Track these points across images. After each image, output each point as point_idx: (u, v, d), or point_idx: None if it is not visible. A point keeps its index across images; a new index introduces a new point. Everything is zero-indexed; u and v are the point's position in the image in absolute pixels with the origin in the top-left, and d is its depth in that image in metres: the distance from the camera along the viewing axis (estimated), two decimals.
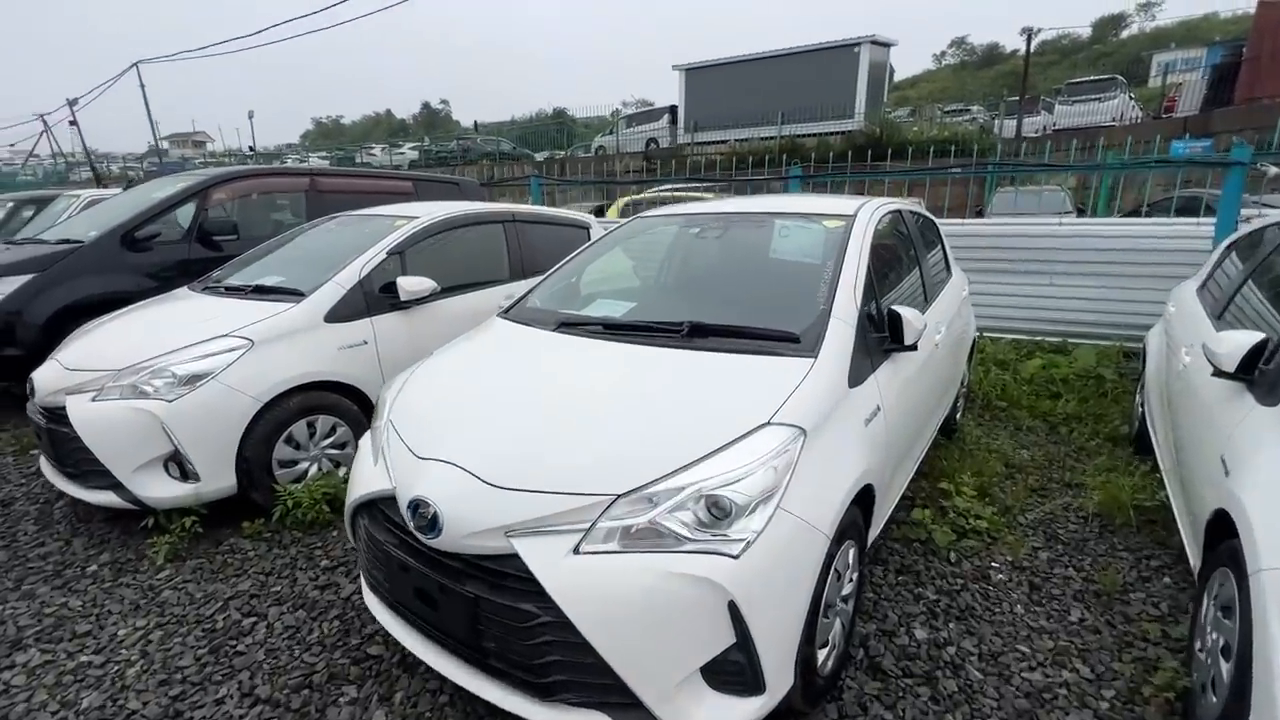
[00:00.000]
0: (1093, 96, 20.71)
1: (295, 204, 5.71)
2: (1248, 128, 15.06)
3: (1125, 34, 63.50)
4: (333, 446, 3.12)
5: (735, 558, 1.40)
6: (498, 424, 1.78)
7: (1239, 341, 1.94)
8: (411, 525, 1.63)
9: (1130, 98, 20.94)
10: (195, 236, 4.84)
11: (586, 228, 4.88)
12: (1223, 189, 4.67)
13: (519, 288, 4.09)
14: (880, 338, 2.14)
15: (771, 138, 19.16)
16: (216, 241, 4.88)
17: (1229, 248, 3.34)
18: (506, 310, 2.71)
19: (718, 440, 1.55)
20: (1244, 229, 3.24)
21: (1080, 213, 10.55)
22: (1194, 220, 4.86)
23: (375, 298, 3.29)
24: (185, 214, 4.95)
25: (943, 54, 76.42)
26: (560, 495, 1.50)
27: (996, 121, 21.33)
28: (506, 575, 1.51)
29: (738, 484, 1.47)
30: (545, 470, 1.57)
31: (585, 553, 1.44)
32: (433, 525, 1.58)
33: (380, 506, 1.84)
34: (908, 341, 2.11)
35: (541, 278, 2.92)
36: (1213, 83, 18.99)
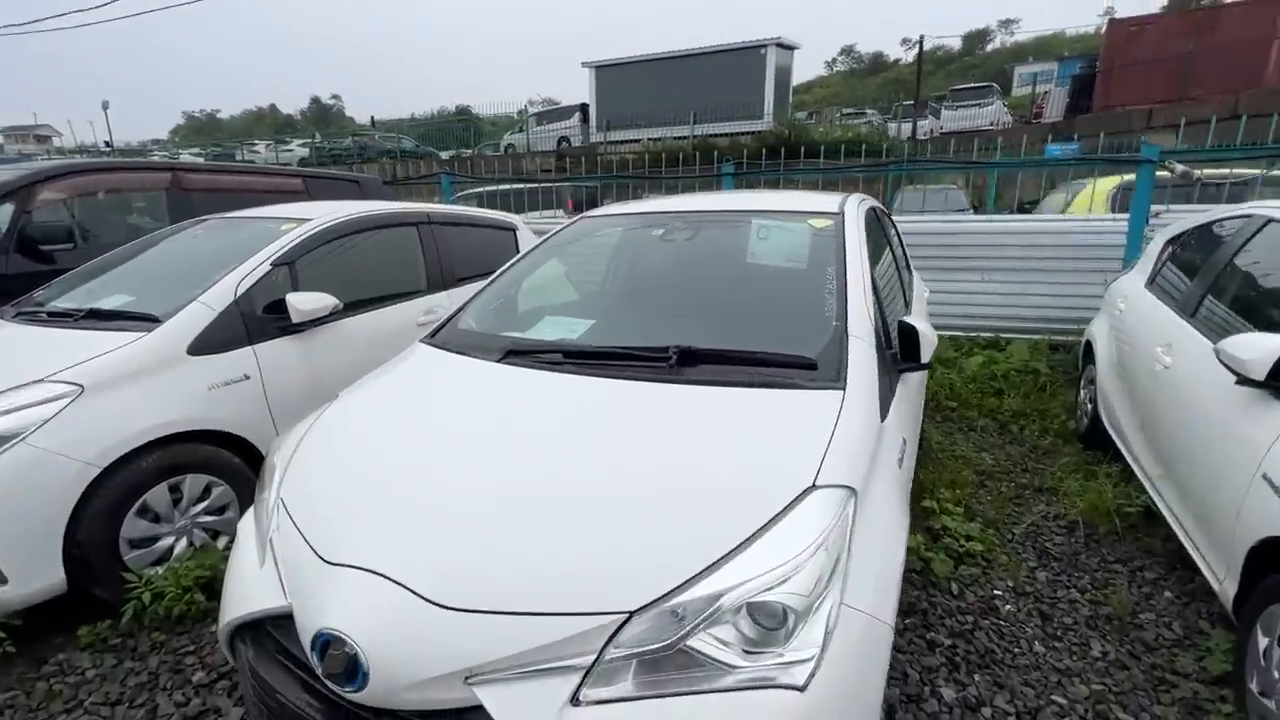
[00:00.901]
0: (973, 102, 22.42)
1: (153, 205, 4.76)
2: (1104, 132, 16.77)
3: (990, 48, 69.86)
4: (209, 513, 2.45)
5: (802, 689, 1.01)
6: (441, 507, 1.28)
7: (1267, 346, 1.79)
8: (320, 670, 1.12)
9: (1003, 104, 22.88)
10: (14, 246, 3.85)
11: (513, 229, 4.36)
12: (1136, 185, 4.85)
13: (440, 301, 3.56)
14: (892, 356, 1.83)
15: (684, 137, 19.11)
16: (45, 252, 3.92)
17: (1172, 243, 3.36)
18: (433, 334, 2.18)
19: (754, 518, 1.16)
20: (1186, 224, 3.27)
21: (975, 210, 11.12)
22: (1111, 216, 5.05)
23: (258, 320, 2.64)
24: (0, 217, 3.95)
25: (834, 61, 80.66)
26: (546, 617, 1.05)
27: (893, 124, 22.51)
28: None
29: (791, 581, 1.08)
30: (520, 579, 1.11)
31: (589, 702, 1.00)
32: (353, 672, 1.07)
33: (271, 630, 1.30)
34: (925, 359, 1.81)
35: (474, 291, 2.41)
36: (1073, 92, 20.97)
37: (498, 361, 1.83)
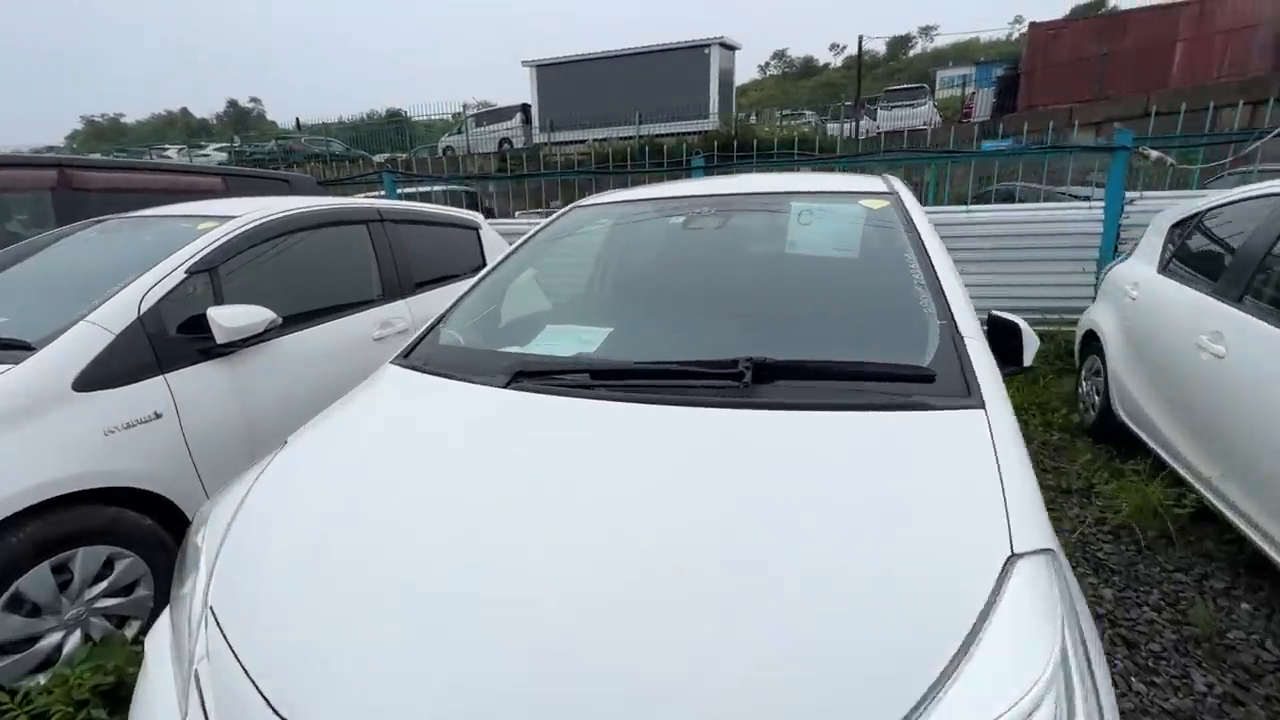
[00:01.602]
0: (907, 103, 23.21)
1: (37, 209, 4.01)
2: (1029, 129, 17.58)
3: (913, 53, 73.25)
4: (111, 594, 1.89)
5: None
6: (468, 629, 0.84)
7: None
8: None
9: (934, 105, 23.81)
10: None
11: (475, 228, 3.88)
12: (1109, 173, 4.83)
13: (398, 311, 3.06)
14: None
15: (631, 137, 18.82)
16: None
17: (1179, 227, 3.24)
18: (406, 353, 1.72)
19: (953, 613, 0.79)
20: (1194, 207, 3.15)
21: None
22: (1084, 204, 5.01)
23: (171, 343, 2.09)
24: None
25: (767, 65, 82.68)
26: None
27: (832, 124, 22.96)
28: None
29: (1041, 709, 0.71)
30: None
31: None
32: None
33: None
34: (1027, 361, 1.50)
35: (448, 297, 1.95)
36: (999, 92, 21.96)
37: (504, 387, 1.40)
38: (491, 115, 23.22)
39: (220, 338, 2.13)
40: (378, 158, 22.95)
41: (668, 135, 18.45)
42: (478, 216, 3.98)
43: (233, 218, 2.48)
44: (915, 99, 23.31)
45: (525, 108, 21.73)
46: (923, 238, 1.61)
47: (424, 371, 1.57)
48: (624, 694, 0.74)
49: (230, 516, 1.20)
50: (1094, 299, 3.94)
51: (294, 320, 2.51)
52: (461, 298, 1.90)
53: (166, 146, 27.24)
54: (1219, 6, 17.89)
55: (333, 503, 1.15)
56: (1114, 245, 4.83)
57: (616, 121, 19.31)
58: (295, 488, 1.23)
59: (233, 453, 2.16)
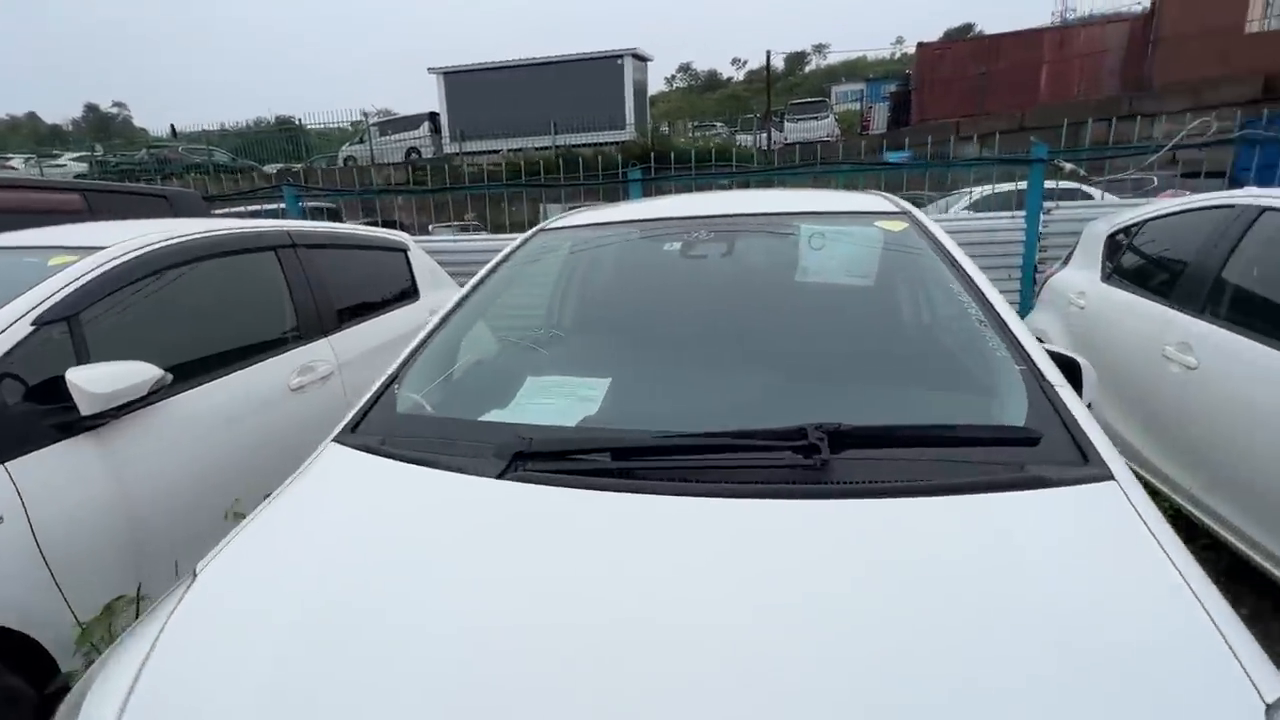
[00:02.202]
0: (811, 116, 24.27)
1: None
2: (922, 142, 18.96)
3: (808, 69, 77.46)
4: None
5: None
6: None
7: None
8: None
9: (835, 118, 25.09)
10: None
11: (403, 250, 3.44)
12: (1029, 183, 5.06)
13: (320, 353, 2.59)
14: None
15: (547, 147, 18.43)
16: None
17: (1118, 236, 3.35)
18: (354, 425, 1.34)
19: None
20: (1133, 216, 3.26)
21: None
22: (1008, 214, 5.23)
23: (14, 419, 1.58)
24: None
25: (673, 77, 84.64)
26: None
27: (742, 136, 23.63)
28: None
29: None
30: None
31: None
32: None
33: None
34: (1088, 399, 1.35)
35: (407, 344, 1.58)
36: (893, 107, 23.43)
37: (498, 477, 1.07)
38: (397, 124, 22.05)
39: (86, 407, 1.63)
40: (268, 168, 21.21)
41: (584, 146, 18.24)
42: (405, 237, 3.54)
43: (99, 248, 1.96)
44: (818, 112, 24.41)
45: (433, 116, 20.80)
46: (962, 264, 1.44)
47: (383, 454, 1.20)
48: None
49: (122, 700, 0.80)
50: (1018, 305, 4.07)
51: (187, 374, 2.02)
52: (418, 347, 1.53)
53: (10, 156, 23.88)
54: (1074, 34, 20.02)
55: (279, 675, 0.78)
56: (1035, 254, 5.06)
57: (530, 131, 18.87)
58: (218, 655, 0.85)
59: (111, 562, 1.67)
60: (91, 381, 1.63)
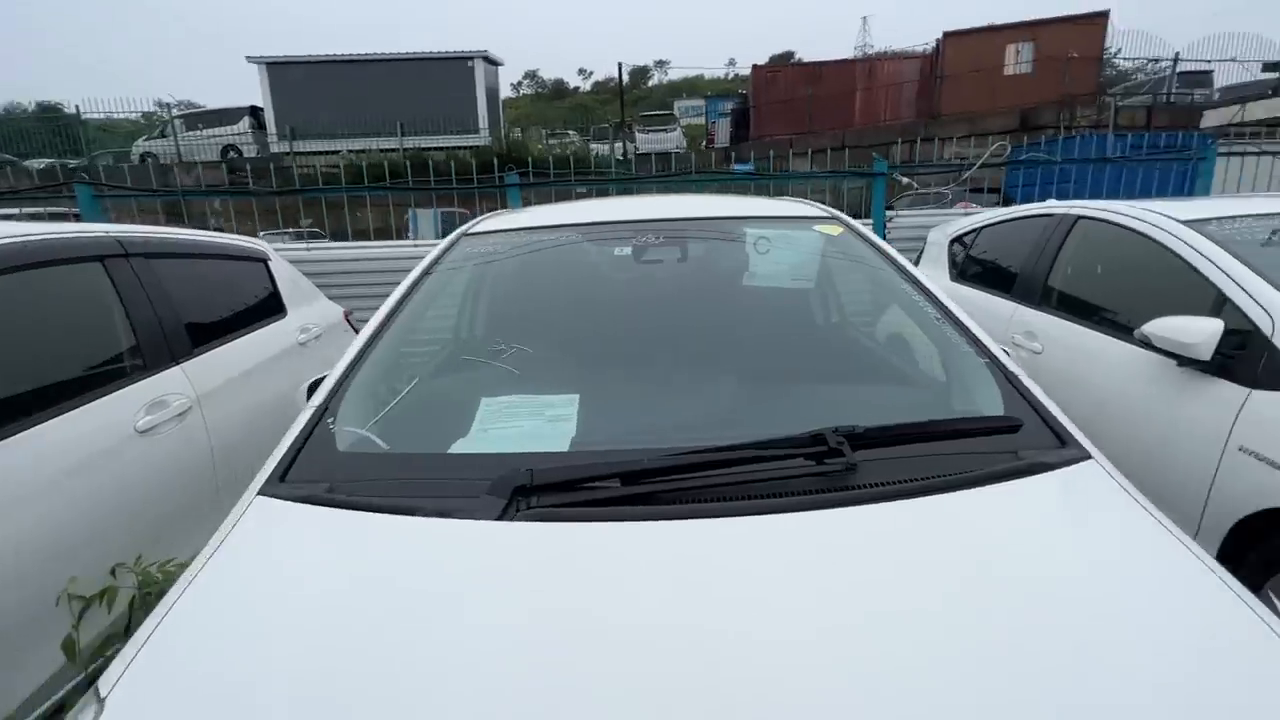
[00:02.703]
0: (661, 128, 25.34)
1: None
2: (763, 155, 20.56)
3: (650, 83, 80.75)
4: None
5: None
6: None
7: (1208, 330, 1.94)
8: None
9: (682, 131, 26.47)
10: None
11: (263, 260, 2.98)
12: (873, 194, 5.67)
13: (173, 384, 2.14)
14: None
15: (393, 150, 17.23)
16: None
17: (958, 241, 3.84)
18: (282, 473, 1.09)
19: None
20: (971, 223, 3.77)
21: None
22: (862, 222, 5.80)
23: None
24: None
25: (519, 84, 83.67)
26: None
27: (594, 144, 23.94)
28: None
29: None
30: None
31: None
32: None
33: None
34: None
35: (331, 377, 1.33)
36: (734, 123, 25.16)
37: (500, 519, 0.92)
38: (208, 117, 19.29)
39: None
40: (32, 163, 17.49)
41: (435, 149, 17.30)
42: (264, 245, 3.07)
43: None
44: (667, 125, 25.53)
45: (255, 110, 18.51)
46: (904, 266, 1.53)
47: (337, 505, 0.99)
48: None
49: None
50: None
51: None
52: (347, 372, 1.30)
53: None
54: (880, 66, 22.93)
55: None
56: None
57: (373, 131, 17.52)
58: None
59: None
60: None
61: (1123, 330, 2.36)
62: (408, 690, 0.70)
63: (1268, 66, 17.67)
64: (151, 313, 2.17)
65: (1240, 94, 16.36)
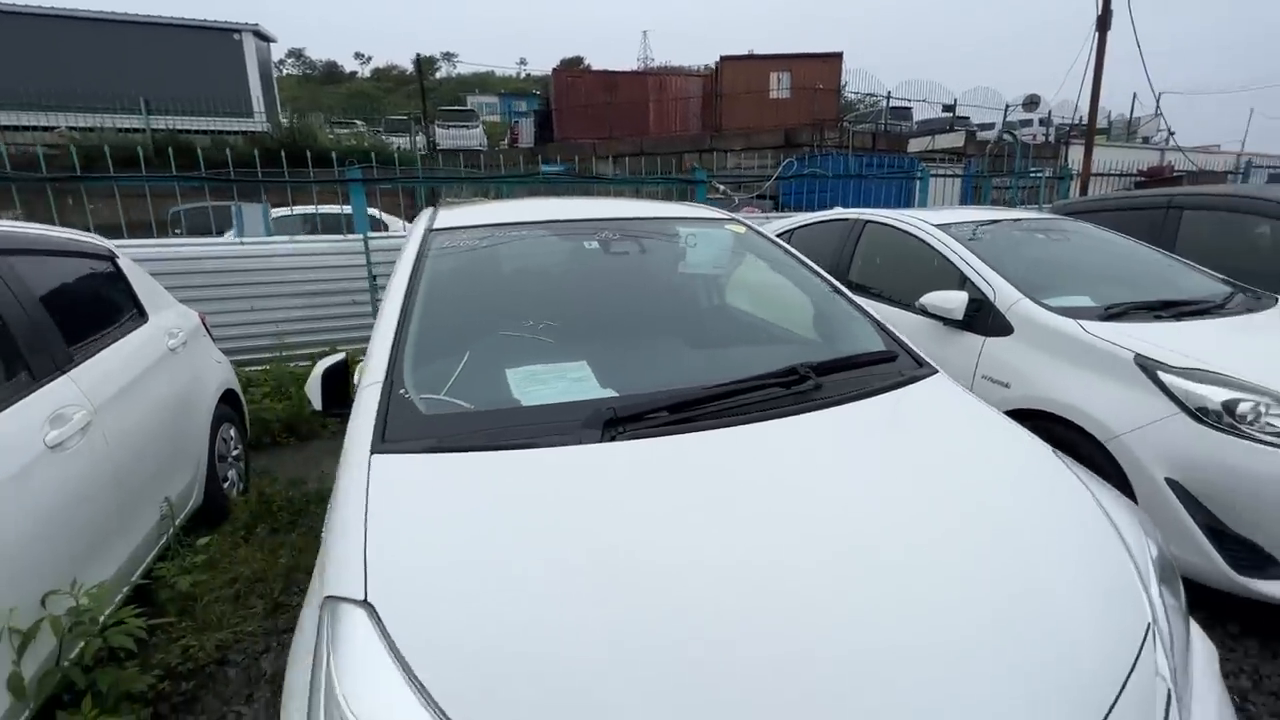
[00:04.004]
0: (462, 124, 24.59)
1: None
2: (569, 157, 21.25)
3: (438, 75, 76.95)
4: None
5: None
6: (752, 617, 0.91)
7: (960, 299, 2.86)
8: None
9: (483, 129, 26.02)
10: None
11: (110, 258, 2.64)
12: (696, 199, 6.49)
13: (62, 396, 1.92)
14: None
15: (139, 130, 14.38)
16: None
17: (783, 236, 4.73)
18: (381, 434, 1.25)
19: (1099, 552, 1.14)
20: (788, 223, 4.65)
21: None
22: None
23: None
24: None
25: (282, 62, 73.92)
26: None
27: (395, 137, 22.45)
28: None
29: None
30: None
31: None
32: None
33: None
34: None
35: (377, 360, 1.46)
36: (538, 124, 25.46)
37: (601, 441, 1.25)
38: None
39: None
40: None
41: (197, 132, 14.79)
42: (106, 241, 2.70)
43: None
44: (468, 121, 24.85)
45: None
46: (798, 255, 2.10)
47: (456, 450, 1.22)
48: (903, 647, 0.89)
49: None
50: None
51: None
52: (394, 354, 1.45)
53: None
54: (670, 81, 25.02)
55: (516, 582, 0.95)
56: None
57: (106, 107, 14.43)
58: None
59: None
60: None
61: (906, 303, 3.28)
62: (600, 544, 1.04)
63: (946, 108, 23.08)
64: (23, 317, 1.91)
65: (930, 128, 21.22)
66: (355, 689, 0.80)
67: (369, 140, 20.03)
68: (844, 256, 3.88)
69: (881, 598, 0.94)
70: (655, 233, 2.14)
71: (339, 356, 1.60)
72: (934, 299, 2.97)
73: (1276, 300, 2.93)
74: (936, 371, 1.67)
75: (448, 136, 23.72)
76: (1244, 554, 2.03)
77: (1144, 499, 2.15)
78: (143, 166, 5.57)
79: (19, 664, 1.50)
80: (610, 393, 1.45)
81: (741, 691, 0.80)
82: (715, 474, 1.21)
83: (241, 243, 4.63)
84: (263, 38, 16.85)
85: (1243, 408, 2.06)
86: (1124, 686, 0.88)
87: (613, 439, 1.25)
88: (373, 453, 1.21)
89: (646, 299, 1.95)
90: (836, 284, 2.00)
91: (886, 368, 1.65)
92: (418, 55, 25.63)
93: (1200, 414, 2.11)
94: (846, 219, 4.02)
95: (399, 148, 19.22)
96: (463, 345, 1.59)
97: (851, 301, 1.92)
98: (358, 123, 27.77)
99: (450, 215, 2.08)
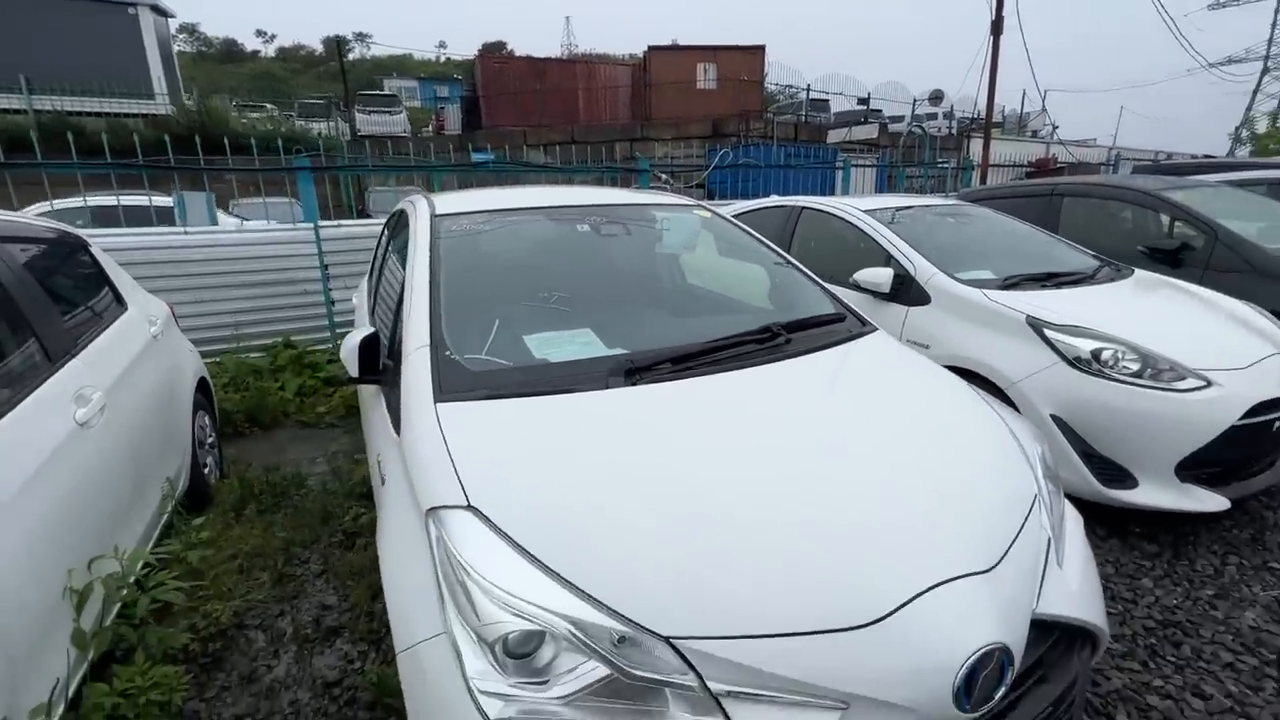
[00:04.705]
0: (385, 110, 23.65)
1: None
2: (499, 145, 20.95)
3: (351, 56, 72.92)
4: None
5: None
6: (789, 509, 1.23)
7: (884, 277, 3.31)
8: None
9: (406, 115, 25.11)
10: None
11: (82, 246, 2.64)
12: (640, 187, 6.78)
13: (77, 377, 1.99)
14: None
15: (19, 111, 13.10)
16: None
17: None
18: (438, 387, 1.48)
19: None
20: (736, 209, 5.02)
21: None
22: None
23: None
24: None
25: (174, 38, 67.95)
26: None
27: (314, 122, 21.38)
28: None
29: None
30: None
31: None
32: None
33: None
34: None
35: (416, 326, 1.68)
36: (465, 111, 24.87)
37: (628, 385, 1.54)
38: None
39: None
40: None
41: (93, 114, 13.60)
42: (77, 231, 2.69)
43: None
44: (391, 107, 23.93)
45: None
46: (757, 236, 2.44)
47: (515, 395, 1.49)
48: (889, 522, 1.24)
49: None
50: None
51: None
52: (433, 321, 1.68)
53: None
54: (599, 69, 25.05)
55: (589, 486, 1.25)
56: None
57: None
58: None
59: None
60: None
61: (840, 280, 3.70)
62: (644, 450, 1.34)
63: (860, 101, 24.42)
64: (33, 299, 1.96)
65: (847, 120, 22.42)
66: (486, 569, 1.06)
67: (284, 126, 19.01)
68: (783, 240, 4.29)
69: (859, 477, 1.30)
70: (637, 218, 2.42)
71: (368, 329, 1.79)
72: (865, 275, 3.40)
73: (1134, 271, 3.56)
74: (877, 329, 2.06)
75: (369, 122, 22.79)
76: (1108, 470, 2.56)
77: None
78: (38, 153, 4.67)
79: (78, 620, 1.62)
80: (619, 351, 1.73)
81: (777, 539, 1.14)
82: (720, 404, 1.53)
83: (186, 232, 4.51)
84: (160, 12, 15.64)
85: (1105, 354, 2.58)
86: (1020, 530, 1.27)
87: (634, 384, 1.54)
88: (436, 401, 1.44)
89: (635, 274, 2.24)
90: (792, 259, 2.36)
91: (838, 326, 2.02)
92: (338, 37, 24.27)
93: (1075, 362, 2.62)
94: (784, 205, 4.43)
95: (320, 133, 18.39)
96: (486, 314, 1.82)
97: (804, 273, 2.28)
98: (268, 106, 26.19)
99: (446, 202, 2.27)
